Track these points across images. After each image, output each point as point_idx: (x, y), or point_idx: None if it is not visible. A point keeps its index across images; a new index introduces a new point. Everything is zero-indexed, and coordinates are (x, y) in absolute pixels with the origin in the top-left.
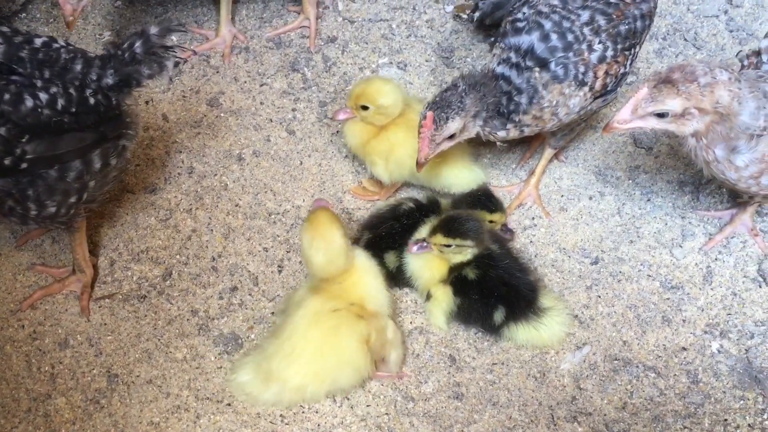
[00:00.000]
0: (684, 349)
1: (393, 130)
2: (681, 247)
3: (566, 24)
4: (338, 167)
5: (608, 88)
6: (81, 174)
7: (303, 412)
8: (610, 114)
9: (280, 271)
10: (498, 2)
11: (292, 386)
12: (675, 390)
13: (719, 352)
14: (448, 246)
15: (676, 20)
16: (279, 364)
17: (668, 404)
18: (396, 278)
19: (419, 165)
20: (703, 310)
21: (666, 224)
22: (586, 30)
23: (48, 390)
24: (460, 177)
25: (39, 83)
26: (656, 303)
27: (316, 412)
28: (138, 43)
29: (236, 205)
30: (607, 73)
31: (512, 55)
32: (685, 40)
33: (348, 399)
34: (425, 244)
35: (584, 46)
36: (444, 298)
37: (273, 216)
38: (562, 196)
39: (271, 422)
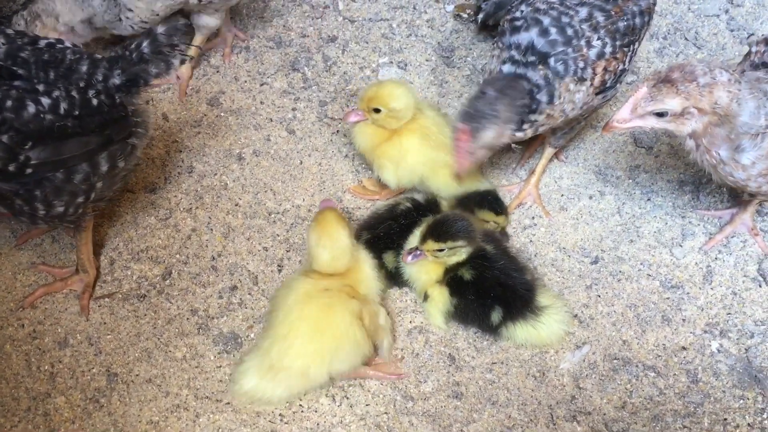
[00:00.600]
0: (684, 348)
1: (406, 136)
2: (681, 246)
3: (565, 19)
4: (338, 167)
5: (607, 85)
6: (88, 176)
7: (302, 411)
8: (610, 113)
9: (279, 271)
10: (500, 2)
11: (296, 371)
12: (675, 389)
13: (719, 351)
14: (441, 250)
15: (676, 19)
16: (278, 351)
17: (668, 403)
18: (395, 278)
19: (457, 178)
20: (703, 310)
21: (666, 224)
22: (584, 26)
23: (47, 389)
24: (470, 184)
25: (41, 87)
26: (656, 302)
27: (315, 411)
28: (145, 43)
29: (236, 205)
30: (605, 69)
31: (514, 53)
32: (686, 39)
33: (347, 398)
34: (419, 252)
35: (583, 42)
36: (441, 299)
37: (273, 215)
38: (562, 195)
39: (270, 421)
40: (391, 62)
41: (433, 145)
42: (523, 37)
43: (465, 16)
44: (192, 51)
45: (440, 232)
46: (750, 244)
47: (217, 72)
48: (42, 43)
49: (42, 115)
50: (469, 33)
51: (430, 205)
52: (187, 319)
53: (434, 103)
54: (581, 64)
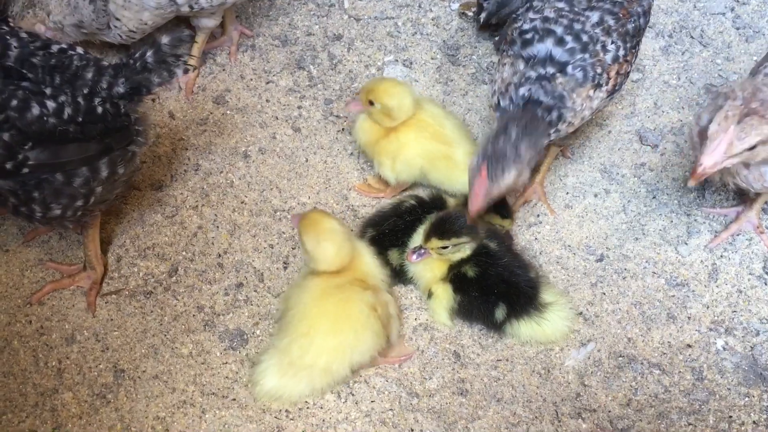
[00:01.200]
0: (689, 346)
1: (403, 130)
2: (686, 244)
3: (577, 26)
4: (344, 164)
5: (617, 88)
6: (88, 180)
7: (308, 408)
8: (615, 111)
9: (285, 268)
10: (502, 0)
11: (319, 368)
12: (680, 387)
13: (724, 349)
14: (445, 248)
15: (682, 17)
16: (299, 349)
17: (673, 401)
18: (399, 275)
19: (471, 218)
20: (708, 308)
21: (671, 221)
22: (597, 30)
23: (55, 385)
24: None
25: (48, 91)
26: (661, 300)
27: (321, 408)
28: (149, 53)
29: (242, 202)
30: (618, 72)
31: (531, 72)
32: (692, 37)
33: (353, 395)
34: (423, 251)
35: (599, 47)
36: (444, 296)
37: (278, 213)
38: (568, 193)
39: (276, 417)
40: (397, 60)
41: (429, 137)
42: (539, 49)
43: (470, 14)
44: (194, 51)
45: (444, 229)
46: (755, 242)
47: (223, 70)
48: (54, 48)
49: (45, 118)
50: (474, 31)
51: (435, 202)
52: (194, 315)
53: (439, 101)
54: (599, 70)
